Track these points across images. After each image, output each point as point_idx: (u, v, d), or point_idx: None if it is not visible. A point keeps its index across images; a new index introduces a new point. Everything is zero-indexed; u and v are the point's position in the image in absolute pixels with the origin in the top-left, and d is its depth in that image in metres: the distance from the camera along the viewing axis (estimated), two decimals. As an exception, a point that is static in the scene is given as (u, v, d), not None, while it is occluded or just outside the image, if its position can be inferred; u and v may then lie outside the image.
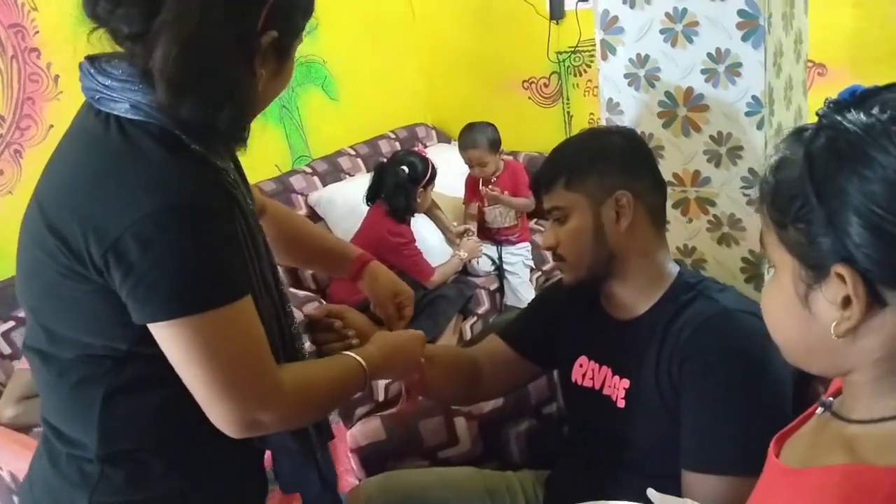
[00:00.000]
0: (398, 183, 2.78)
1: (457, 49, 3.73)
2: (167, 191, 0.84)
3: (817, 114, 0.61)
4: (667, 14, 1.55)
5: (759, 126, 1.55)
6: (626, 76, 1.63)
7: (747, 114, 1.54)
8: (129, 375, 0.92)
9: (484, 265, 3.12)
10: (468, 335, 2.95)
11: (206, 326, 0.86)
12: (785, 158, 0.63)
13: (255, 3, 0.87)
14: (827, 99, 0.61)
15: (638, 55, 1.59)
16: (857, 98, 0.60)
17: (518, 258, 3.14)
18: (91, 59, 0.90)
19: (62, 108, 2.51)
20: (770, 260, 0.67)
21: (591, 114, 3.43)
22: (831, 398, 0.72)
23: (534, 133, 3.55)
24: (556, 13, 3.34)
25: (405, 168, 2.79)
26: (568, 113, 3.53)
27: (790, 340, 0.68)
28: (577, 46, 3.36)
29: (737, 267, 1.66)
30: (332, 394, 1.04)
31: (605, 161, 1.27)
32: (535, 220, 3.36)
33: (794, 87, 1.73)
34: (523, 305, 2.27)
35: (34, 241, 0.90)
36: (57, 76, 2.53)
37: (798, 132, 0.63)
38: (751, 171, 1.60)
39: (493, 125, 3.08)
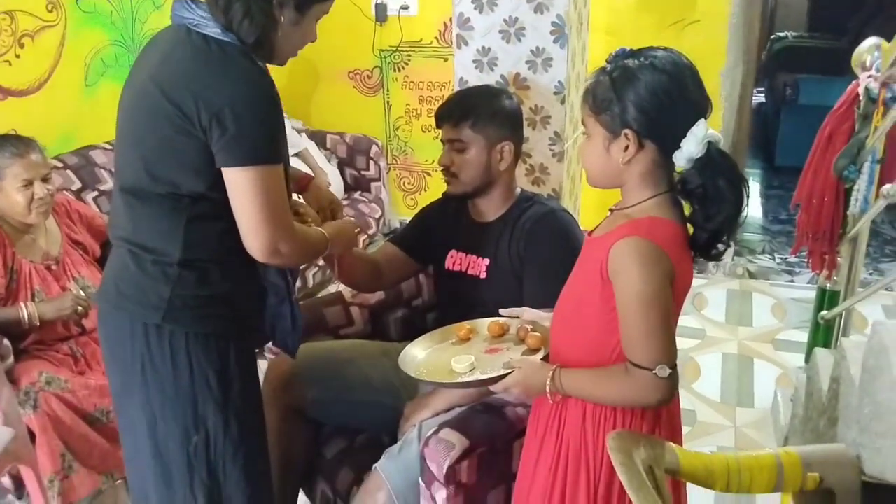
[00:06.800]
0: None
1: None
2: (251, 84, 1.29)
3: (611, 56, 1.25)
4: (504, 20, 2.23)
5: (562, 102, 2.27)
6: (473, 62, 2.27)
7: (555, 93, 2.26)
8: (200, 209, 1.34)
9: None
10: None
11: (264, 174, 1.30)
12: (598, 80, 1.26)
13: None
14: (615, 51, 1.26)
15: (483, 47, 2.24)
16: (630, 51, 1.25)
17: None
18: None
19: None
20: (587, 131, 1.28)
21: (408, 104, 4.08)
22: (612, 207, 1.38)
23: (357, 118, 4.12)
24: (381, 16, 3.93)
25: None
26: (388, 102, 4.14)
27: (597, 171, 1.31)
28: (398, 46, 3.98)
29: (545, 199, 2.35)
30: (314, 247, 1.53)
31: (502, 117, 1.83)
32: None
33: (580, 78, 2.50)
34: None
35: (152, 108, 1.29)
36: None
37: (602, 69, 1.26)
38: (555, 133, 2.31)
39: None
